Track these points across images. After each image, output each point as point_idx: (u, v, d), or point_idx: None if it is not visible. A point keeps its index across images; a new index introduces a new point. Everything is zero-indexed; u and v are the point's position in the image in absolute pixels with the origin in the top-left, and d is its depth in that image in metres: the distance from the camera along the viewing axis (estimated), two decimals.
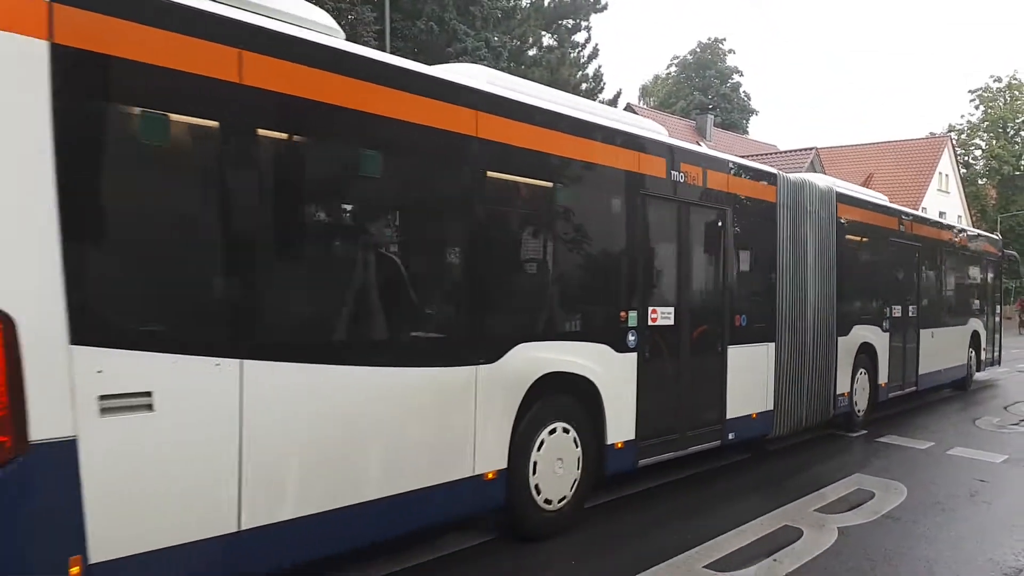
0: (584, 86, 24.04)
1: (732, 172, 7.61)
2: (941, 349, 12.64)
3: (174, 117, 3.60)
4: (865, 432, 9.70)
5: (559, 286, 5.83)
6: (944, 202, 47.08)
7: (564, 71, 22.42)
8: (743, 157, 8.11)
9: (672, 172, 6.70)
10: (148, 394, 3.38)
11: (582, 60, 24.65)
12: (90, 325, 3.22)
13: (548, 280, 5.74)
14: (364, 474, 4.32)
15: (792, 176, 8.67)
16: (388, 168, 4.62)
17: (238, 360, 3.68)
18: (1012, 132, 49.29)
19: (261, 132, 3.96)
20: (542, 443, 5.37)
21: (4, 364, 2.99)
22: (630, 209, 6.29)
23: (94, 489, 3.20)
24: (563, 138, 5.71)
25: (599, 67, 25.31)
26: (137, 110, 3.50)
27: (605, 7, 24.68)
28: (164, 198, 3.68)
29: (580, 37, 24.94)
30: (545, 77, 21.85)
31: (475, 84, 5.22)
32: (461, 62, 16.24)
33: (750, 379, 7.66)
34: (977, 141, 50.64)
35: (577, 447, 5.65)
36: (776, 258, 8.12)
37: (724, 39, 62.09)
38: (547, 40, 24.28)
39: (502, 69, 19.18)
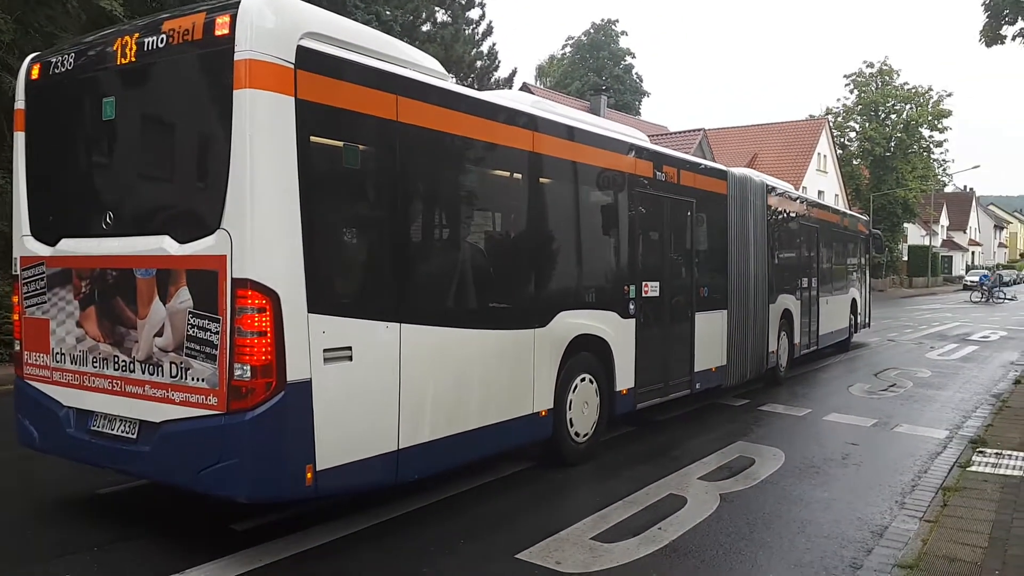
0: (479, 64, 23.80)
1: (697, 171, 9.18)
2: (833, 314, 14.90)
3: (361, 147, 4.88)
4: (748, 401, 10.03)
5: (586, 265, 7.25)
6: (822, 181, 49.44)
7: (458, 48, 22.13)
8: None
9: (657, 172, 8.17)
10: (349, 348, 4.58)
11: (476, 38, 24.35)
12: (319, 298, 4.39)
13: (579, 261, 7.15)
14: (470, 408, 5.62)
15: (737, 172, 10.23)
16: (483, 181, 6.14)
17: (399, 323, 4.96)
18: (883, 115, 51.98)
19: (408, 156, 5.14)
20: (575, 389, 6.75)
21: (273, 325, 4.16)
22: (630, 202, 7.70)
23: (320, 417, 4.37)
24: (587, 149, 7.10)
25: (493, 44, 25.07)
26: (340, 142, 4.72)
27: None
28: (357, 210, 4.99)
29: (474, 14, 24.60)
30: (440, 54, 21.48)
31: (532, 111, 6.53)
32: None
33: (710, 339, 9.26)
34: (852, 124, 53.14)
35: (596, 393, 7.05)
36: (727, 239, 9.77)
37: (617, 20, 62.74)
38: (441, 16, 23.85)
39: None
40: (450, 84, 5.85)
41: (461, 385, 5.53)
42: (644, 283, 7.83)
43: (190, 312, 4.32)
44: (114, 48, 4.75)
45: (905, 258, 58.65)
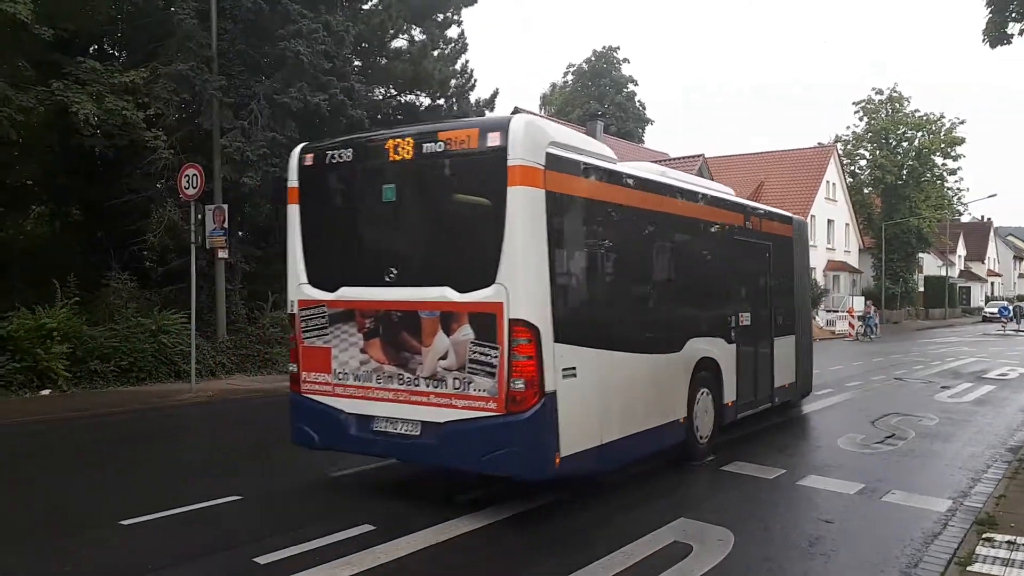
0: (453, 81, 22.49)
1: (772, 218, 11.52)
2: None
3: (582, 224, 6.95)
4: (713, 458, 8.44)
5: (705, 301, 9.32)
6: (832, 210, 48.44)
7: (427, 65, 20.88)
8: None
9: (747, 222, 10.44)
10: (574, 368, 6.39)
11: (450, 54, 23.00)
12: (559, 332, 6.18)
13: (701, 298, 9.21)
14: (638, 415, 7.45)
15: (797, 217, 12.77)
16: (648, 243, 8.09)
17: (607, 351, 6.96)
18: (894, 143, 50.97)
19: (609, 228, 7.30)
20: (698, 400, 8.64)
21: (536, 351, 5.97)
22: (731, 248, 9.94)
23: (561, 418, 6.15)
24: (711, 210, 9.38)
25: (467, 62, 23.79)
26: (571, 220, 6.73)
27: (475, 1, 23.18)
28: (580, 269, 6.89)
29: (453, 32, 23.39)
30: (408, 71, 20.37)
31: (668, 181, 8.60)
32: (294, 45, 14.41)
33: (785, 360, 11.59)
34: (862, 151, 52.21)
35: (711, 404, 8.98)
36: (792, 275, 12.12)
37: (618, 47, 61.97)
38: (418, 35, 22.59)
39: (347, 55, 17.51)
40: (637, 171, 7.96)
41: (635, 396, 7.38)
42: (740, 314, 9.88)
43: (472, 342, 6.12)
44: (386, 147, 6.58)
45: (921, 289, 56.63)
